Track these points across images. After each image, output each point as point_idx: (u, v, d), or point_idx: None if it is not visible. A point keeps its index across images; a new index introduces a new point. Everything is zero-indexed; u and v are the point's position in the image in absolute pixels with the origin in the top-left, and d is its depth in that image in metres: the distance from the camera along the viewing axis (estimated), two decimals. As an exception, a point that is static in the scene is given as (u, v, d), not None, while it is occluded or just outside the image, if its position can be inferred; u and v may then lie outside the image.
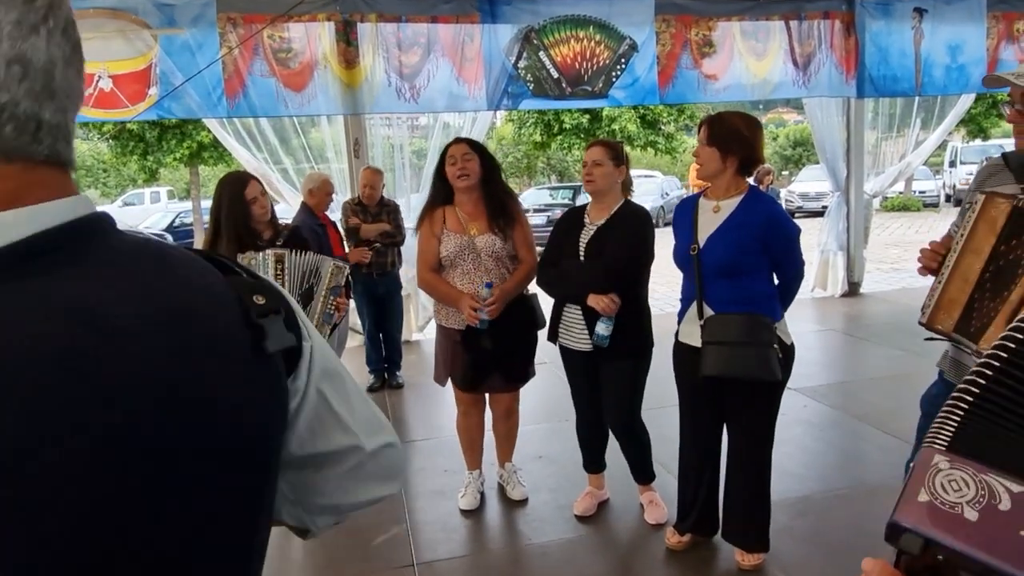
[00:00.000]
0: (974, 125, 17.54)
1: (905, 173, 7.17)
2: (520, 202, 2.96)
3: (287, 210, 5.00)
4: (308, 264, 2.72)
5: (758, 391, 2.25)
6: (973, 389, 0.54)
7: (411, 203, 5.77)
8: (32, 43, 0.45)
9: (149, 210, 19.87)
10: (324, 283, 2.72)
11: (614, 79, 5.68)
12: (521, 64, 5.45)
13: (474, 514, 2.96)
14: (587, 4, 5.52)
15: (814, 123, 6.69)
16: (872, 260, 8.30)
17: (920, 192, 17.71)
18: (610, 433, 2.86)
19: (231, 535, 0.51)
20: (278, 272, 2.63)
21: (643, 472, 2.86)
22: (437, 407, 4.18)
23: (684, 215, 2.39)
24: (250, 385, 0.51)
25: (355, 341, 5.02)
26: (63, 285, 0.44)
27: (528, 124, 16.66)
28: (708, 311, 2.28)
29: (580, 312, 2.60)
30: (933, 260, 1.74)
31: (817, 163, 7.46)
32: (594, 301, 2.48)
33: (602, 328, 2.50)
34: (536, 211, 12.97)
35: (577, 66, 5.59)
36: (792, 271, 2.31)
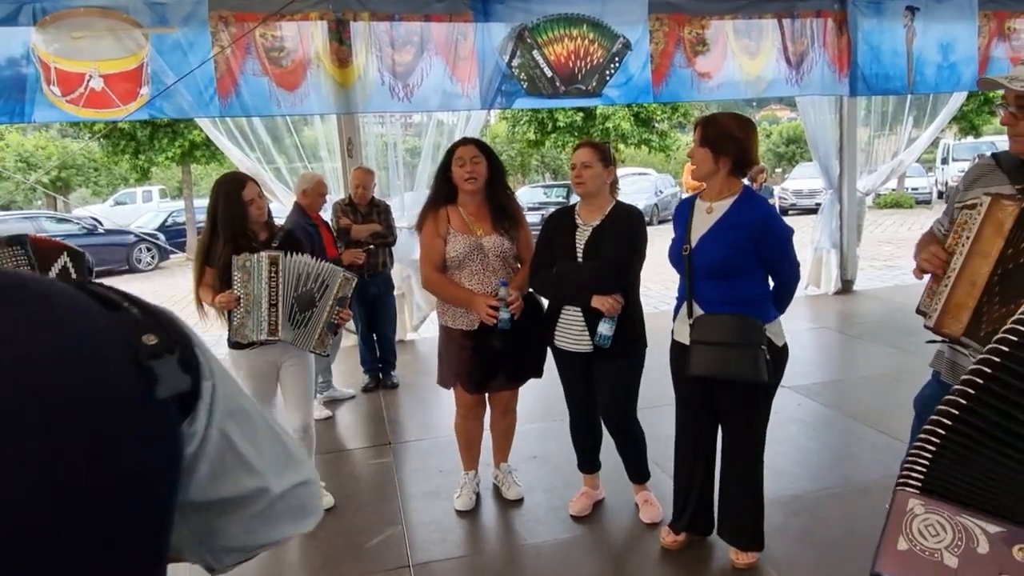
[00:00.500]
0: (966, 122, 17.62)
1: (898, 171, 7.21)
2: (520, 203, 2.95)
3: (280, 209, 4.98)
4: (305, 268, 2.71)
5: (750, 391, 2.26)
6: (945, 421, 0.55)
7: (405, 201, 5.77)
8: None
9: (141, 209, 19.71)
10: (332, 293, 2.76)
11: (608, 78, 5.69)
12: (515, 63, 5.44)
13: (469, 515, 2.96)
14: (580, 3, 5.52)
15: (807, 121, 6.71)
16: (865, 257, 8.33)
17: (912, 189, 17.79)
18: (604, 433, 2.87)
19: None
20: (272, 274, 2.62)
21: (638, 471, 2.86)
22: (432, 407, 4.18)
23: (681, 215, 2.41)
24: (135, 435, 0.46)
25: (349, 341, 5.01)
26: None
27: (522, 122, 16.65)
28: (698, 311, 2.30)
29: (580, 313, 2.60)
30: (935, 265, 1.70)
31: (810, 160, 7.50)
32: (599, 302, 2.49)
33: (605, 328, 2.51)
34: (530, 209, 12.94)
35: (571, 65, 5.58)
36: (787, 273, 2.32)
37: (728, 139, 2.23)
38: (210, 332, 2.82)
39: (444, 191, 2.78)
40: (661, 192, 17.84)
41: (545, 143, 17.34)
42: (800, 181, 17.60)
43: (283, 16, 4.95)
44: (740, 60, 5.96)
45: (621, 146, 16.80)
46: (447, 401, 3.01)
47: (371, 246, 4.33)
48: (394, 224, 4.60)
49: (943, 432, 0.55)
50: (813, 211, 7.26)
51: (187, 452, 0.51)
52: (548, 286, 2.69)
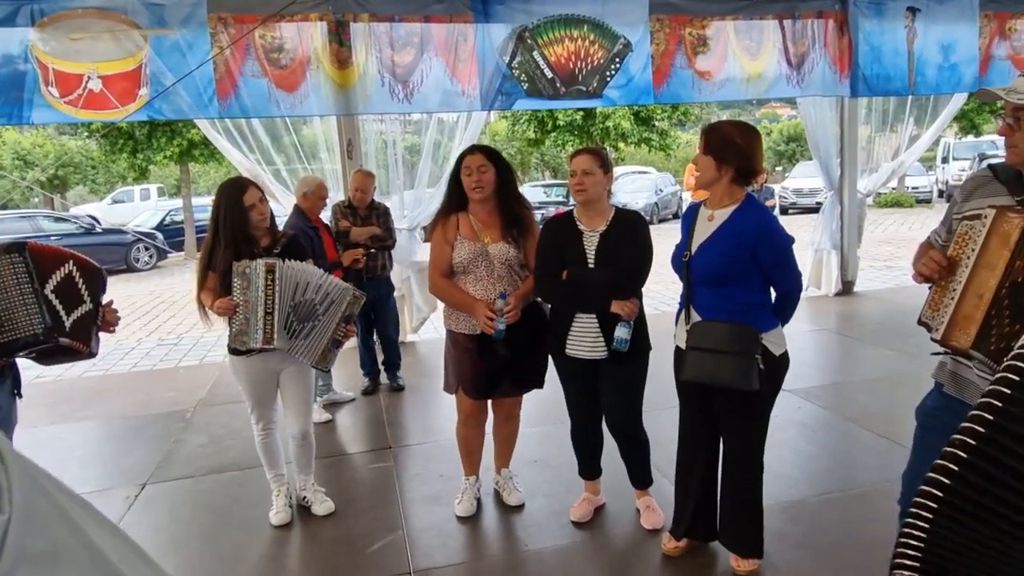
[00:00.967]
0: (966, 121, 17.62)
1: (899, 172, 7.20)
2: (533, 211, 2.94)
3: (278, 210, 4.96)
4: (305, 276, 2.70)
5: (745, 399, 2.25)
6: (936, 492, 0.54)
7: (404, 200, 5.75)
8: None
9: (139, 208, 19.66)
10: (341, 310, 2.76)
11: (608, 79, 5.67)
12: (515, 64, 5.42)
13: (470, 520, 2.95)
14: (581, 3, 5.50)
15: (807, 122, 6.70)
16: (865, 257, 8.33)
17: (913, 188, 17.78)
18: (605, 439, 2.86)
19: None
20: (268, 282, 2.61)
21: (641, 477, 2.86)
22: (433, 410, 4.18)
23: (686, 221, 2.40)
24: None
25: (348, 344, 5.00)
26: None
27: (522, 121, 16.63)
28: (696, 317, 2.30)
29: (595, 320, 2.58)
30: (933, 269, 1.71)
31: (810, 159, 7.50)
32: (619, 307, 2.50)
33: (623, 332, 2.51)
34: (530, 208, 12.93)
35: (571, 66, 5.57)
36: (787, 283, 2.30)
37: (731, 147, 2.22)
38: (212, 332, 2.82)
39: (456, 198, 2.78)
40: (661, 191, 17.84)
41: (545, 142, 17.31)
42: (800, 180, 17.60)
43: (282, 17, 4.93)
44: (741, 61, 5.95)
45: (621, 144, 16.78)
46: (447, 404, 3.00)
47: (371, 249, 4.32)
48: (393, 227, 4.58)
49: (935, 506, 0.54)
50: (814, 210, 7.25)
51: None
52: (559, 294, 2.67)
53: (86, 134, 16.53)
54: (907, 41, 6.28)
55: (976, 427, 0.53)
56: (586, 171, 2.57)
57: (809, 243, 7.07)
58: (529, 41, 5.45)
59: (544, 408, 3.70)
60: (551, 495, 3.12)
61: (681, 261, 2.31)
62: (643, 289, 2.68)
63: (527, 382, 2.88)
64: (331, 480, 3.36)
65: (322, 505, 3.06)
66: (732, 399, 2.26)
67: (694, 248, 2.29)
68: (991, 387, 0.65)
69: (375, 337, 4.68)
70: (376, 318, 4.59)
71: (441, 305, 2.96)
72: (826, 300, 6.74)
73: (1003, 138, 1.72)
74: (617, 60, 5.66)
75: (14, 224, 13.06)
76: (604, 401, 2.73)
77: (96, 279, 2.31)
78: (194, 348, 6.66)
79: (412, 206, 5.79)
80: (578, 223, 2.65)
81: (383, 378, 4.73)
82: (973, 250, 1.58)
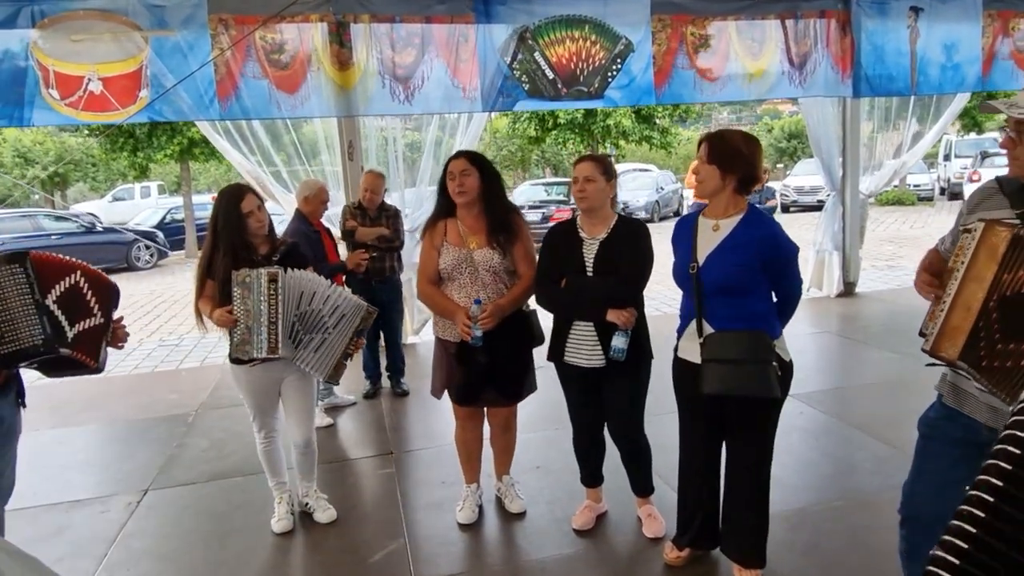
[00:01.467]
0: (969, 119, 17.56)
1: (901, 172, 7.18)
2: (523, 216, 2.92)
3: (279, 211, 4.95)
4: (310, 285, 2.68)
5: (757, 407, 2.25)
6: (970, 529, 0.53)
7: (405, 197, 5.73)
8: None
9: (139, 205, 19.64)
10: (354, 325, 2.76)
11: (610, 79, 5.65)
12: (516, 64, 5.41)
13: (472, 528, 2.95)
14: (582, 4, 5.48)
15: (809, 122, 6.68)
16: (867, 257, 8.31)
17: (915, 186, 17.72)
18: (607, 447, 2.86)
19: None
20: (271, 292, 2.60)
21: (643, 485, 2.86)
22: (435, 415, 4.17)
23: (683, 233, 2.38)
24: None
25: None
26: None
27: (523, 119, 16.58)
28: (708, 329, 2.28)
29: (592, 329, 2.58)
30: (927, 293, 1.73)
31: (812, 156, 7.49)
32: (615, 316, 2.48)
33: (620, 341, 2.50)
34: (531, 208, 12.94)
35: (572, 66, 5.55)
36: (789, 289, 2.31)
37: (736, 157, 2.21)
38: (214, 333, 2.81)
39: (445, 205, 2.78)
40: (662, 188, 17.81)
41: (546, 139, 17.27)
42: (801, 178, 17.56)
43: (283, 18, 4.91)
44: (743, 61, 5.93)
45: (622, 142, 16.74)
46: (449, 409, 3.00)
47: (375, 253, 4.31)
48: (402, 228, 4.58)
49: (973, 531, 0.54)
50: (815, 208, 7.24)
51: None
52: (558, 302, 2.66)
53: (87, 132, 16.49)
54: (910, 41, 6.25)
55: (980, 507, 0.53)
56: (588, 178, 2.56)
57: (811, 243, 7.06)
58: (530, 42, 5.43)
59: (545, 412, 3.70)
60: (553, 502, 3.12)
61: (686, 274, 2.28)
62: (645, 291, 2.67)
63: (512, 392, 2.86)
64: (333, 486, 3.36)
65: (324, 512, 3.06)
66: (746, 409, 2.25)
67: (702, 259, 2.26)
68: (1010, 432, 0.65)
69: (381, 341, 4.67)
70: (383, 321, 4.58)
71: None
72: (828, 301, 6.73)
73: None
74: (618, 60, 5.64)
75: (14, 223, 13.03)
76: (606, 408, 2.72)
77: (109, 294, 2.29)
78: (196, 349, 6.66)
79: (414, 206, 5.78)
80: (580, 230, 2.65)
81: (385, 382, 4.73)
82: (963, 263, 1.60)
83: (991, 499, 0.55)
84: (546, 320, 2.80)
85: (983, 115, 17.51)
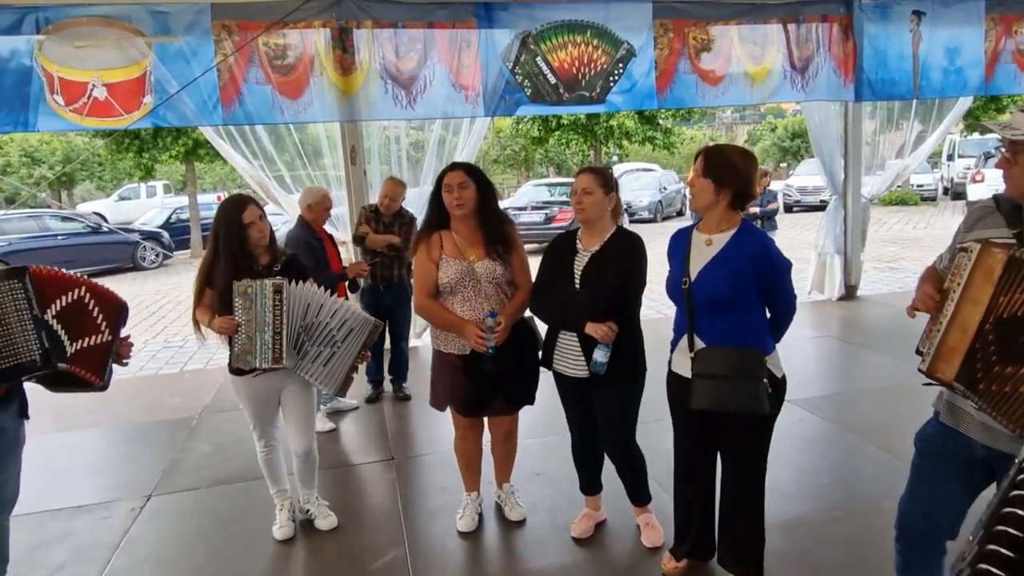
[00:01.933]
0: (972, 119, 17.47)
1: (903, 175, 7.17)
2: (516, 227, 2.94)
3: (277, 213, 4.96)
4: (317, 300, 2.70)
5: (749, 422, 2.25)
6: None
7: (407, 197, 5.72)
8: None
9: (145, 205, 19.71)
10: (362, 339, 2.78)
11: (612, 84, 5.66)
12: (518, 69, 5.42)
13: (472, 536, 2.97)
14: (584, 9, 5.48)
15: (811, 125, 6.69)
16: (869, 259, 8.31)
17: (918, 186, 17.69)
18: (605, 455, 2.87)
19: None
20: (276, 303, 2.62)
21: (639, 494, 2.87)
22: (437, 420, 4.15)
23: (677, 247, 2.39)
24: None
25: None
26: None
27: (525, 119, 16.58)
28: (699, 343, 2.29)
29: (576, 339, 2.60)
30: (929, 306, 1.74)
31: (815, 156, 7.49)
32: (592, 329, 2.48)
33: (600, 355, 2.50)
34: (533, 208, 12.93)
35: (574, 71, 5.56)
36: (783, 305, 2.30)
37: (731, 172, 2.22)
38: (213, 337, 2.83)
39: (437, 216, 2.78)
40: (665, 188, 17.80)
41: (549, 140, 17.27)
42: (804, 178, 17.53)
43: (286, 24, 4.94)
44: (745, 65, 5.93)
45: (625, 143, 16.73)
46: (450, 414, 3.01)
47: (377, 259, 4.33)
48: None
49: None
50: (818, 208, 7.23)
51: None
52: (544, 310, 2.70)
53: (93, 132, 16.57)
54: (912, 45, 6.24)
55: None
56: (586, 190, 2.58)
57: (812, 245, 7.06)
58: (532, 46, 5.44)
59: (546, 419, 3.71)
60: (553, 509, 3.14)
61: (679, 288, 2.30)
62: (644, 293, 2.67)
63: (518, 399, 2.89)
64: (334, 492, 3.39)
65: (325, 520, 3.08)
66: (737, 423, 2.27)
67: (694, 274, 2.27)
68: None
69: (385, 345, 4.70)
70: (391, 327, 4.61)
71: None
72: (829, 305, 6.74)
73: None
74: (620, 65, 5.65)
75: (21, 223, 13.07)
76: (598, 420, 2.74)
77: (117, 312, 2.31)
78: (200, 351, 6.69)
79: (418, 209, 5.79)
80: (578, 242, 2.67)
81: (387, 386, 4.76)
82: (959, 284, 1.61)
83: None
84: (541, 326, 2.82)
85: (987, 116, 17.45)
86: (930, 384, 1.86)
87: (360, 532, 3.06)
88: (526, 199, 14.02)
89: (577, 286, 2.59)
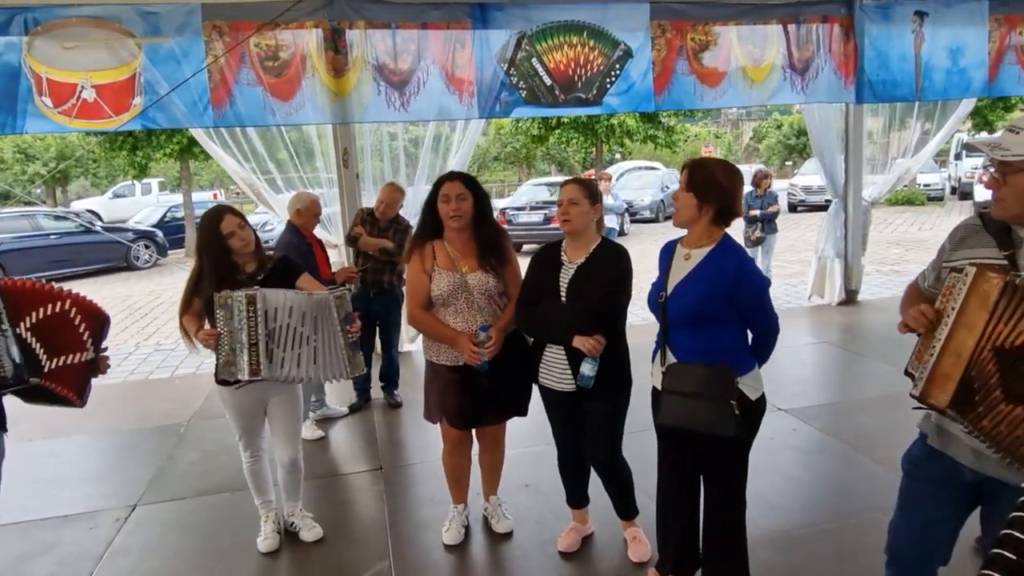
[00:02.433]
0: (980, 118, 17.35)
1: (905, 178, 7.09)
2: (510, 239, 2.89)
3: (267, 217, 4.91)
4: (286, 303, 2.64)
5: (723, 442, 2.19)
6: None
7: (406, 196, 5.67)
8: None
9: (140, 203, 19.64)
10: (335, 318, 2.67)
11: (608, 86, 5.59)
12: (513, 70, 5.35)
13: (458, 549, 2.93)
14: (581, 9, 5.42)
15: (812, 128, 6.61)
16: (872, 261, 8.22)
17: (925, 185, 17.50)
18: (591, 468, 2.83)
19: None
20: (250, 313, 2.58)
21: (625, 508, 2.83)
22: (428, 428, 4.06)
23: (663, 259, 2.35)
24: None
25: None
26: None
27: (526, 117, 16.51)
28: (671, 358, 2.26)
29: (563, 353, 2.55)
30: (922, 324, 1.69)
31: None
32: (580, 343, 2.44)
33: (587, 369, 2.46)
34: (532, 208, 12.86)
35: (570, 73, 5.49)
36: (763, 326, 2.24)
37: (714, 187, 2.17)
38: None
39: (430, 226, 2.73)
40: (667, 188, 17.65)
41: (549, 138, 17.20)
42: (809, 177, 17.37)
43: (278, 25, 4.88)
44: (744, 67, 5.86)
45: (627, 141, 16.64)
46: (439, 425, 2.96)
47: (368, 265, 4.28)
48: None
49: None
50: (823, 208, 7.14)
51: None
52: (529, 324, 2.65)
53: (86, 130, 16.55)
54: (914, 46, 6.15)
55: None
56: (572, 200, 2.53)
57: (813, 249, 6.99)
58: (528, 48, 5.37)
59: (535, 429, 3.64)
60: (540, 522, 3.09)
61: (657, 302, 2.26)
62: (634, 300, 2.62)
63: (511, 410, 2.85)
64: (321, 503, 3.35)
65: (310, 531, 3.05)
66: (711, 442, 2.22)
67: (670, 288, 2.23)
68: None
69: (376, 351, 4.66)
70: (381, 334, 4.56)
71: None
72: (828, 310, 6.67)
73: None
74: (617, 66, 5.58)
75: (13, 223, 12.98)
76: (583, 433, 2.69)
77: (101, 326, 2.26)
78: (191, 355, 6.64)
79: (414, 209, 5.73)
80: (563, 254, 2.62)
81: (380, 394, 4.70)
82: (953, 308, 1.57)
83: None
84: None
85: (994, 115, 17.32)
86: (920, 408, 1.82)
87: (345, 544, 3.02)
88: (525, 199, 13.95)
89: (563, 299, 2.55)
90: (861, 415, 4.10)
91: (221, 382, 2.76)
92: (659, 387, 2.31)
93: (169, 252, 14.82)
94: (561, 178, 18.42)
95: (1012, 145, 1.60)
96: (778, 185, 11.45)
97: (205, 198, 16.86)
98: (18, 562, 3.01)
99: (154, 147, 14.09)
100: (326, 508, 3.30)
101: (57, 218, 13.82)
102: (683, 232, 2.30)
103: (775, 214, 7.53)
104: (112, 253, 13.35)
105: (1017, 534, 0.72)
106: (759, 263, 7.39)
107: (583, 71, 5.53)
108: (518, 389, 2.79)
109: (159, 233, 14.82)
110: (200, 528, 3.24)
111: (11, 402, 2.19)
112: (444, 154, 5.80)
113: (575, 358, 2.50)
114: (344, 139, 5.49)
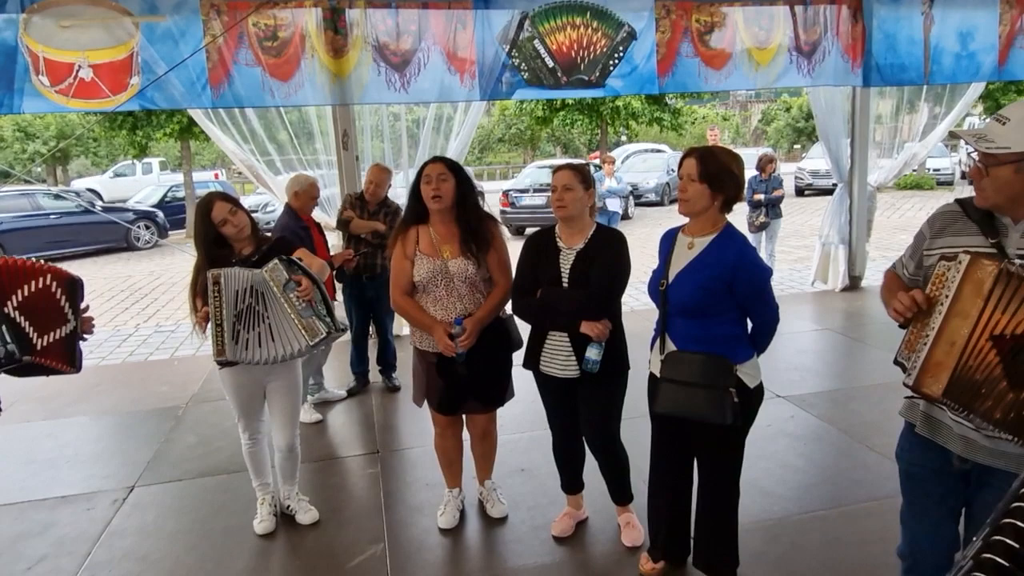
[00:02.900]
0: (991, 101, 17.11)
1: (912, 164, 7.00)
2: (499, 224, 2.87)
3: (271, 199, 4.89)
4: (242, 282, 2.63)
5: (722, 430, 2.19)
6: None
7: (409, 178, 5.65)
8: None
9: (141, 182, 19.57)
10: (273, 289, 2.62)
11: (611, 68, 5.51)
12: (515, 52, 5.28)
13: (453, 533, 2.95)
14: (584, -10, 5.32)
15: (817, 111, 6.53)
16: (878, 247, 8.14)
17: (934, 170, 17.34)
18: (587, 454, 2.83)
19: None
20: (215, 293, 2.58)
21: (621, 493, 2.84)
22: (425, 413, 4.07)
23: (664, 247, 2.34)
24: None
25: (343, 338, 4.98)
26: None
27: (529, 99, 16.37)
28: (671, 346, 2.25)
29: (567, 339, 2.54)
30: (909, 312, 1.66)
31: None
32: (589, 328, 2.45)
33: (593, 353, 2.47)
34: (536, 191, 12.78)
35: (573, 54, 5.42)
36: (763, 315, 2.23)
37: (727, 176, 2.15)
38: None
39: (415, 211, 2.72)
40: (673, 170, 17.53)
41: (553, 120, 17.05)
42: (817, 161, 17.20)
43: (276, 4, 4.82)
44: (750, 49, 5.76)
45: (632, 123, 16.49)
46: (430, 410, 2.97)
47: (365, 249, 4.26)
48: None
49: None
50: (830, 192, 7.08)
51: None
52: (533, 312, 2.63)
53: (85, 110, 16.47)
54: (924, 29, 6.04)
55: None
56: (566, 187, 2.51)
57: (817, 235, 6.93)
58: (530, 29, 5.30)
59: (531, 414, 3.66)
60: (535, 507, 3.10)
61: (658, 289, 2.24)
62: (635, 285, 2.61)
63: (493, 399, 2.86)
64: (317, 486, 3.37)
65: (306, 514, 3.06)
66: (707, 430, 2.22)
67: (671, 277, 2.22)
68: None
69: (372, 336, 4.65)
70: (375, 319, 4.55)
71: None
72: (832, 296, 6.63)
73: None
74: (621, 48, 5.50)
75: (13, 202, 12.94)
76: (580, 416, 2.70)
77: (75, 292, 2.26)
78: (192, 335, 6.66)
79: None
80: (558, 240, 2.60)
81: (377, 376, 4.71)
82: (947, 296, 1.55)
83: None
84: (524, 324, 2.75)
85: (1006, 98, 17.06)
86: (913, 398, 1.80)
87: (341, 527, 3.04)
88: (528, 181, 13.85)
89: (565, 285, 2.53)
90: (859, 403, 4.09)
91: (220, 363, 2.77)
92: (657, 374, 2.30)
93: (170, 232, 14.80)
94: (566, 160, 18.32)
95: (997, 137, 1.58)
96: (786, 169, 11.32)
97: (206, 178, 16.80)
98: (15, 542, 3.04)
99: (154, 127, 14.03)
100: (322, 491, 3.32)
101: (57, 197, 13.77)
102: (684, 219, 2.28)
103: (780, 199, 7.47)
104: (112, 234, 13.34)
105: (1019, 523, 0.70)
106: (763, 249, 7.33)
107: (586, 53, 5.45)
108: (498, 378, 2.81)
109: (159, 213, 14.78)
110: (197, 510, 3.26)
111: (7, 383, 2.19)
112: (447, 135, 5.75)
113: (580, 343, 2.49)
114: (344, 121, 5.44)
